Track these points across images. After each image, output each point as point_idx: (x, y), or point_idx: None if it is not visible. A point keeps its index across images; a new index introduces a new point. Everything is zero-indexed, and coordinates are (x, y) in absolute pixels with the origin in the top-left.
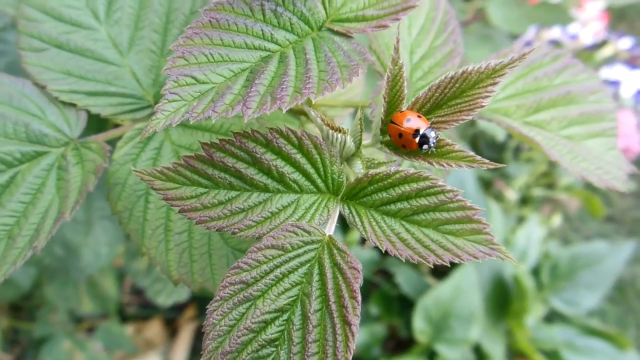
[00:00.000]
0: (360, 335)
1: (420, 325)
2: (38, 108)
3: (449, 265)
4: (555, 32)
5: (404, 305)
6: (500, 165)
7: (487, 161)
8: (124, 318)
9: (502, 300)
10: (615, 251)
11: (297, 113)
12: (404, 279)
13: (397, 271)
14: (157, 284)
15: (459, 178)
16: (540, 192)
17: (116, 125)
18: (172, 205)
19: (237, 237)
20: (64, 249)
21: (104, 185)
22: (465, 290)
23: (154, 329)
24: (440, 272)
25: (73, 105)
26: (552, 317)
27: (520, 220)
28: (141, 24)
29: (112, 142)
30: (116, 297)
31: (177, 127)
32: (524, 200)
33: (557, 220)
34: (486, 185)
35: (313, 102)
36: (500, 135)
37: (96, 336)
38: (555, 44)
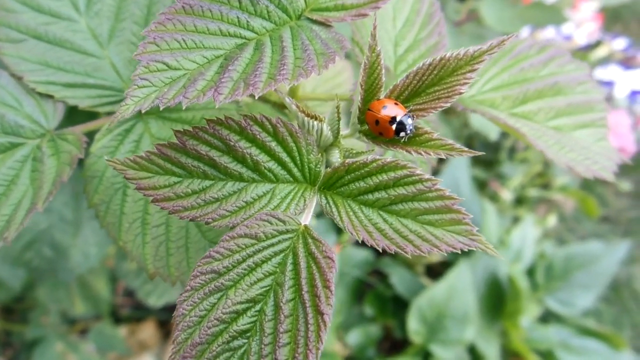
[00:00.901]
0: (355, 336)
1: (414, 326)
2: (14, 99)
3: (426, 255)
4: (549, 33)
5: (399, 306)
6: (479, 153)
7: (465, 149)
8: (117, 319)
9: (497, 300)
10: (611, 251)
11: (282, 107)
12: (399, 280)
13: (392, 272)
14: (148, 284)
15: (453, 178)
16: (536, 192)
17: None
18: (145, 195)
19: (212, 228)
20: (52, 250)
21: (81, 177)
22: (459, 290)
23: (148, 330)
24: (435, 272)
25: (50, 96)
26: (547, 317)
27: (516, 220)
28: (122, 15)
29: (92, 135)
30: (109, 298)
31: (157, 120)
32: (519, 201)
33: (552, 220)
34: (481, 185)
35: (287, 89)
36: (492, 135)
37: (89, 338)
38: None
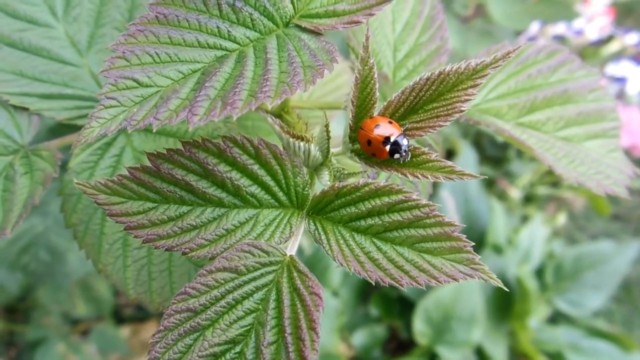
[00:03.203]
0: (360, 337)
1: (420, 327)
2: None
3: (423, 288)
4: (560, 28)
5: (405, 306)
6: (481, 177)
7: (467, 172)
8: (120, 320)
9: (505, 301)
10: (622, 250)
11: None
12: None
13: None
14: None
15: None
16: (545, 190)
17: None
18: (117, 222)
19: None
20: (49, 254)
21: (58, 195)
22: (466, 291)
23: (151, 330)
24: None
25: (25, 109)
26: (557, 318)
27: (524, 219)
28: (102, 21)
29: (69, 149)
30: (111, 299)
31: (140, 132)
32: (528, 199)
33: (562, 219)
34: (489, 184)
35: (269, 108)
36: (500, 137)
37: (91, 339)
38: (560, 39)
